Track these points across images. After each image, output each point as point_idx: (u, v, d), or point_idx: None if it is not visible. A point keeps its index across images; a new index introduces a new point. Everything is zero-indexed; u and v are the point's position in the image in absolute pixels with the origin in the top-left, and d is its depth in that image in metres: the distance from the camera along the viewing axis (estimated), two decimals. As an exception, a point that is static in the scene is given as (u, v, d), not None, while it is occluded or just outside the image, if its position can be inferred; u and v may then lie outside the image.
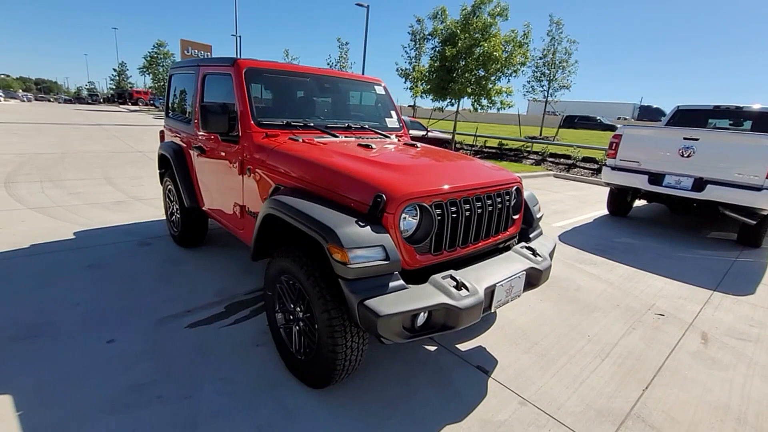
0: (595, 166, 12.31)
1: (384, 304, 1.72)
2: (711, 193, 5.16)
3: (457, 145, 16.38)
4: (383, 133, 3.46)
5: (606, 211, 7.05)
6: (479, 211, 2.26)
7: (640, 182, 5.78)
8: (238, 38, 26.13)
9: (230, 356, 2.46)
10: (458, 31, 13.63)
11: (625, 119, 42.35)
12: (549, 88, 20.30)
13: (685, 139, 5.37)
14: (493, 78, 13.70)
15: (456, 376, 2.43)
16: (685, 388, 2.47)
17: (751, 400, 2.40)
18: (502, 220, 2.48)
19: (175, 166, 3.84)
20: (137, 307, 2.94)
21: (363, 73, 9.53)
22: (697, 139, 5.28)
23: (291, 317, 2.24)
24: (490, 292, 2.04)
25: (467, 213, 2.20)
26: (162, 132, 4.60)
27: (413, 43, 22.24)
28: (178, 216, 4.07)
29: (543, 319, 3.20)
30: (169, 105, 4.40)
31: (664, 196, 5.68)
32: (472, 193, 2.23)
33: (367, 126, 3.46)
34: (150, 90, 46.06)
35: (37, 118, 21.39)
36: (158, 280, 3.39)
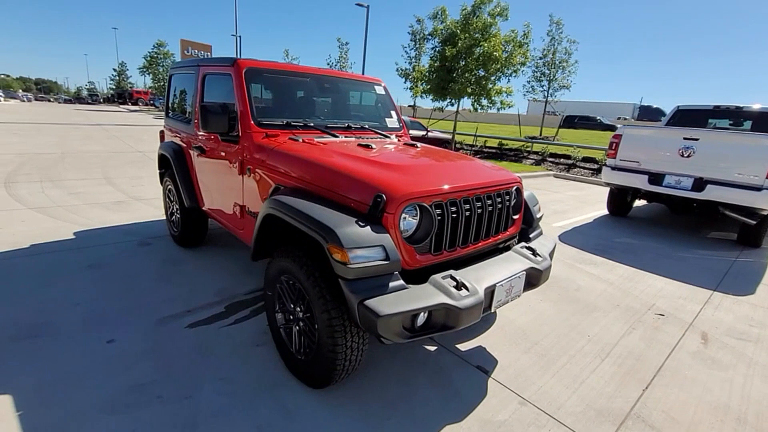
0: (595, 166, 12.31)
1: (384, 304, 1.72)
2: (711, 193, 5.16)
3: (457, 145, 16.38)
4: (383, 133, 3.46)
5: (606, 211, 7.05)
6: (479, 211, 2.26)
7: (640, 182, 5.78)
8: (238, 38, 26.15)
9: (230, 356, 2.46)
10: (458, 31, 13.63)
11: (625, 119, 42.35)
12: (549, 88, 20.31)
13: (685, 139, 5.37)
14: (493, 78, 13.70)
15: (456, 376, 2.43)
16: (685, 388, 2.47)
17: (751, 400, 2.41)
18: (502, 220, 2.48)
19: (175, 166, 3.84)
20: (137, 307, 2.94)
21: (363, 73, 9.53)
22: (697, 139, 5.28)
23: (291, 317, 2.24)
24: (490, 292, 2.04)
25: (467, 213, 2.19)
26: (162, 132, 4.60)
27: (413, 43, 22.25)
28: (178, 216, 4.07)
29: (543, 319, 3.20)
30: (169, 105, 4.40)
31: (664, 196, 5.68)
32: (472, 193, 2.23)
33: (367, 126, 3.46)
34: (150, 90, 46.06)
35: (37, 118, 21.40)
36: (158, 280, 3.39)
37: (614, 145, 6.14)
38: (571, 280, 4.02)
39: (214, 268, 3.70)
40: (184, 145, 3.89)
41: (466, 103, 15.13)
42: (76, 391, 2.08)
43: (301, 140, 2.76)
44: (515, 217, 2.65)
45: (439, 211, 2.06)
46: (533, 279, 2.36)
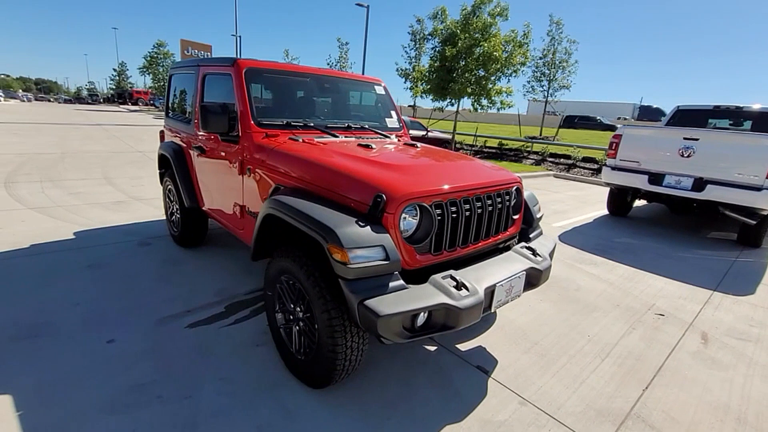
0: (595, 166, 12.31)
1: (384, 304, 1.73)
2: (711, 193, 5.16)
3: (457, 145, 16.38)
4: (383, 133, 3.46)
5: (606, 211, 7.05)
6: (479, 211, 2.26)
7: (640, 182, 5.78)
8: (238, 38, 26.15)
9: (230, 356, 2.46)
10: (458, 31, 13.63)
11: (625, 119, 42.35)
12: (549, 88, 20.31)
13: (685, 139, 5.37)
14: (493, 78, 13.70)
15: (456, 376, 2.43)
16: (685, 388, 2.47)
17: (751, 400, 2.41)
18: (502, 220, 2.48)
19: (175, 166, 3.84)
20: (137, 307, 2.94)
21: (363, 73, 9.53)
22: (697, 139, 5.28)
23: (291, 317, 2.24)
24: (490, 292, 2.04)
25: (467, 213, 2.19)
26: (162, 132, 4.60)
27: (413, 43, 22.25)
28: (178, 216, 4.07)
29: (543, 319, 3.20)
30: (169, 105, 4.40)
31: (664, 196, 5.68)
32: (472, 193, 2.23)
33: (367, 126, 3.46)
34: (150, 90, 46.06)
35: (37, 118, 21.40)
36: (158, 280, 3.39)
37: (614, 145, 6.14)
38: (571, 280, 4.02)
39: (214, 268, 3.70)
40: (184, 145, 3.89)
41: (466, 103, 15.16)
42: (76, 391, 2.08)
43: (301, 140, 2.76)
44: (515, 217, 2.65)
45: (439, 211, 2.06)
46: (533, 279, 2.36)
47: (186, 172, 3.82)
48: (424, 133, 12.10)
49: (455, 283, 1.93)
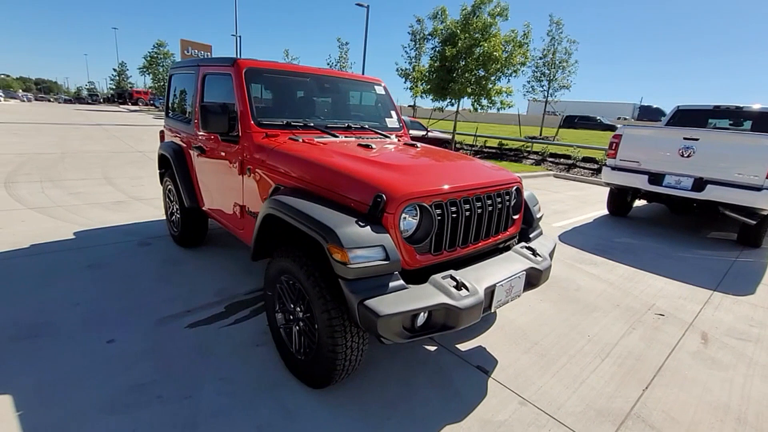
0: (595, 166, 12.31)
1: (384, 304, 1.72)
2: (711, 193, 5.16)
3: (457, 145, 16.38)
4: (383, 133, 3.46)
5: (606, 211, 7.05)
6: (479, 211, 2.26)
7: (640, 182, 5.78)
8: (238, 38, 26.15)
9: (230, 356, 2.46)
10: (458, 31, 13.63)
11: (625, 119, 42.35)
12: (549, 88, 20.31)
13: (685, 139, 5.37)
14: (493, 78, 13.70)
15: (456, 376, 2.43)
16: (685, 388, 2.47)
17: (751, 400, 2.41)
18: (502, 220, 2.48)
19: (175, 166, 3.84)
20: (137, 307, 2.94)
21: (363, 73, 9.53)
22: (697, 139, 5.28)
23: (291, 317, 2.24)
24: (490, 292, 2.04)
25: (467, 213, 2.19)
26: (162, 132, 4.60)
27: (413, 43, 22.25)
28: (178, 216, 4.07)
29: (543, 319, 3.20)
30: (169, 105, 4.40)
31: (664, 196, 5.68)
32: (472, 193, 2.23)
33: (367, 126, 3.46)
34: (150, 90, 46.06)
35: (37, 118, 21.40)
36: (158, 280, 3.39)
37: (614, 145, 6.14)
38: (571, 280, 4.02)
39: (214, 268, 3.70)
40: (184, 145, 3.89)
41: (466, 103, 15.16)
42: (76, 391, 2.08)
43: (301, 140, 2.76)
44: (515, 217, 2.65)
45: (439, 211, 2.06)
46: (533, 279, 2.36)
47: (186, 172, 3.82)
48: (424, 133, 12.10)
49: (455, 283, 1.93)
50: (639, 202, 7.38)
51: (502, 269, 2.21)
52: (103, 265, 3.60)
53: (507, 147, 16.56)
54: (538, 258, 2.43)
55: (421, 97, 16.30)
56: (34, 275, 3.33)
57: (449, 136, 15.05)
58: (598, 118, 36.77)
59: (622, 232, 6.01)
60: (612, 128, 25.68)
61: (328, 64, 27.44)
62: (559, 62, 19.48)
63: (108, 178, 7.22)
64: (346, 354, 1.98)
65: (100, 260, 3.70)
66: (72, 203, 5.46)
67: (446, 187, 2.12)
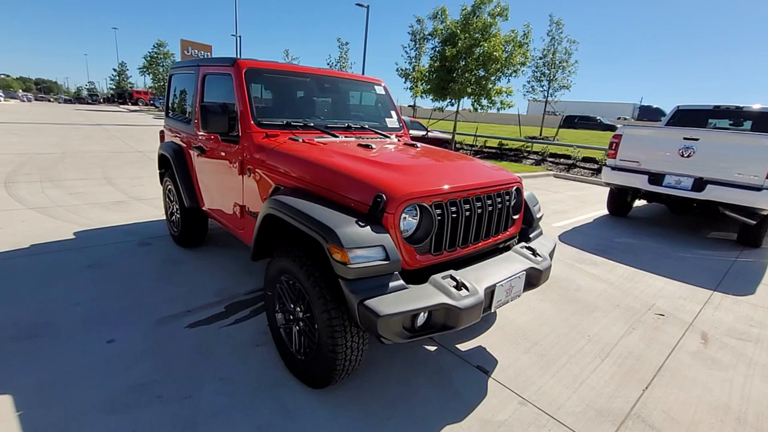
0: (595, 166, 12.31)
1: (384, 304, 1.73)
2: (711, 193, 5.16)
3: (457, 145, 16.38)
4: (383, 133, 3.46)
5: (606, 211, 7.05)
6: (479, 211, 2.26)
7: (640, 182, 5.78)
8: (238, 38, 26.15)
9: (230, 356, 2.46)
10: (458, 31, 13.63)
11: (625, 119, 42.34)
12: (549, 88, 20.31)
13: (685, 139, 5.37)
14: (493, 78, 13.70)
15: (456, 376, 2.43)
16: (685, 388, 2.47)
17: (751, 400, 2.41)
18: (502, 220, 2.48)
19: (175, 166, 3.84)
20: (137, 307, 2.94)
21: (363, 73, 9.53)
22: (697, 139, 5.28)
23: (291, 317, 2.24)
24: (490, 292, 2.04)
25: (467, 213, 2.19)
26: (162, 132, 4.60)
27: (413, 43, 22.24)
28: (178, 216, 4.07)
29: (543, 319, 3.20)
30: (169, 105, 4.40)
31: (664, 196, 5.68)
32: (472, 193, 2.23)
33: (367, 126, 3.46)
34: (150, 90, 46.06)
35: (37, 118, 21.40)
36: (158, 280, 3.39)
37: (614, 145, 6.14)
38: (571, 280, 4.02)
39: (214, 268, 3.70)
40: (184, 145, 3.89)
41: (466, 103, 15.16)
42: (76, 391, 2.08)
43: (301, 140, 2.76)
44: (515, 217, 2.65)
45: (439, 211, 2.06)
46: (533, 279, 2.36)
47: (186, 172, 3.82)
48: (424, 133, 12.10)
49: (455, 283, 1.93)
50: (639, 202, 7.38)
51: (502, 269, 2.21)
52: (103, 265, 3.60)
53: (507, 147, 16.56)
54: (538, 258, 2.43)
55: (421, 97, 16.31)
56: (34, 275, 3.33)
57: (449, 136, 15.05)
58: (598, 118, 36.77)
59: (622, 232, 6.01)
60: (612, 128, 25.68)
61: (328, 64, 27.44)
62: (559, 62, 19.49)
63: (108, 178, 7.22)
64: (346, 354, 1.98)
65: (100, 260, 3.70)
66: (72, 203, 5.46)
67: (446, 187, 2.12)
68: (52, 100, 67.28)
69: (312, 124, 3.09)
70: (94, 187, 6.50)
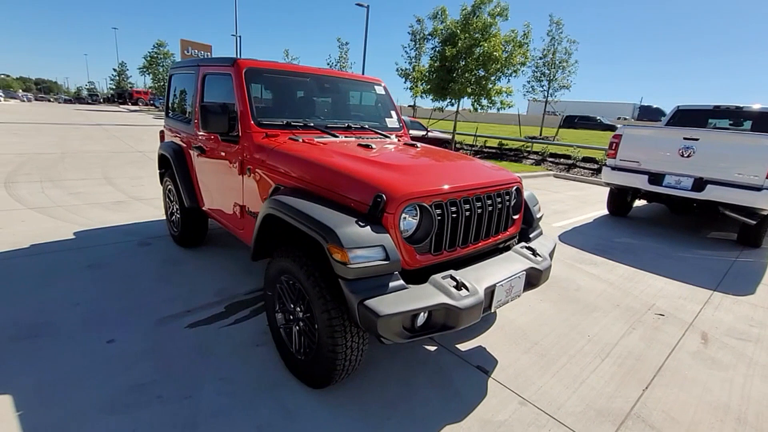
0: (595, 166, 12.31)
1: (384, 304, 1.72)
2: (711, 193, 5.16)
3: (457, 145, 16.38)
4: (383, 133, 3.46)
5: (606, 211, 7.05)
6: (479, 211, 2.26)
7: (640, 182, 5.78)
8: (238, 38, 26.15)
9: (230, 356, 2.46)
10: (458, 31, 13.63)
11: (625, 119, 42.34)
12: (549, 88, 20.31)
13: (685, 139, 5.37)
14: (493, 78, 13.70)
15: (456, 376, 2.43)
16: (685, 388, 2.47)
17: (751, 400, 2.41)
18: (502, 220, 2.48)
19: (175, 166, 3.84)
20: (137, 307, 2.94)
21: (363, 73, 9.53)
22: (697, 139, 5.28)
23: (291, 317, 2.24)
24: (490, 292, 2.04)
25: (467, 213, 2.19)
26: (162, 132, 4.60)
27: (413, 43, 22.24)
28: (178, 216, 4.07)
29: (543, 319, 3.20)
30: (169, 105, 4.40)
31: (664, 196, 5.68)
32: (472, 193, 2.23)
33: (367, 126, 3.46)
34: (150, 90, 46.06)
35: (37, 118, 21.40)
36: (158, 280, 3.39)
37: (614, 145, 6.14)
38: (571, 280, 4.02)
39: (214, 268, 3.70)
40: (184, 145, 3.89)
41: (466, 103, 15.16)
42: (76, 391, 2.08)
43: (301, 140, 2.76)
44: (515, 217, 2.65)
45: (439, 211, 2.06)
46: (533, 279, 2.36)
47: (186, 172, 3.82)
48: (424, 133, 12.10)
49: (455, 283, 1.93)
50: (639, 202, 7.38)
51: (502, 269, 2.21)
52: (103, 265, 3.60)
53: (507, 147, 16.56)
54: (538, 258, 2.43)
55: (421, 97, 16.31)
56: (34, 275, 3.33)
57: (449, 136, 15.05)
58: (598, 118, 36.76)
59: (622, 232, 6.01)
60: (612, 128, 25.68)
61: (328, 64, 27.44)
62: (559, 62, 19.49)
63: (108, 178, 7.22)
64: (346, 354, 1.98)
65: (100, 260, 3.70)
66: (72, 203, 5.46)
67: (446, 187, 2.12)
68: (52, 100, 67.27)
69: (312, 124, 3.09)
70: (94, 187, 6.50)
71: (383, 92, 3.92)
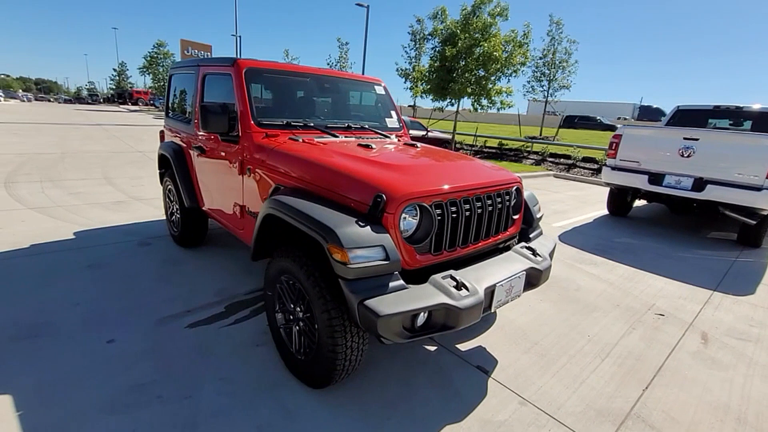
0: (595, 166, 12.31)
1: (384, 304, 1.72)
2: (711, 193, 5.16)
3: (457, 145, 16.38)
4: (383, 133, 3.46)
5: (606, 211, 7.05)
6: (479, 211, 2.26)
7: (640, 182, 5.78)
8: (238, 38, 26.15)
9: (230, 356, 2.46)
10: (458, 31, 13.63)
11: (625, 119, 42.34)
12: (549, 88, 20.31)
13: (685, 139, 5.37)
14: (493, 78, 13.70)
15: (456, 376, 2.43)
16: (685, 388, 2.47)
17: (751, 400, 2.41)
18: (502, 220, 2.48)
19: (175, 166, 3.84)
20: (137, 307, 2.94)
21: (363, 73, 9.53)
22: (697, 139, 5.28)
23: (291, 317, 2.24)
24: (490, 292, 2.04)
25: (467, 213, 2.19)
26: (162, 132, 4.60)
27: (413, 43, 22.24)
28: (178, 216, 4.07)
29: (543, 319, 3.20)
30: (169, 105, 4.40)
31: (664, 196, 5.68)
32: (472, 193, 2.23)
33: (367, 126, 3.46)
34: (150, 90, 46.06)
35: (37, 118, 21.40)
36: (158, 280, 3.39)
37: (614, 145, 6.14)
38: (571, 280, 4.02)
39: (214, 268, 3.70)
40: (184, 145, 3.89)
41: (466, 103, 15.16)
42: (76, 391, 2.08)
43: (301, 140, 2.76)
44: (515, 217, 2.65)
45: (439, 211, 2.06)
46: (533, 279, 2.36)
47: (186, 172, 3.82)
48: (424, 133, 12.10)
49: (455, 283, 1.93)
50: (639, 202, 7.38)
51: (502, 269, 2.21)
52: (103, 265, 3.60)
53: (507, 147, 16.56)
54: (538, 258, 2.43)
55: (421, 97, 16.31)
56: (34, 275, 3.33)
57: (449, 136, 15.05)
58: (598, 118, 36.76)
59: (622, 232, 6.01)
60: (612, 128, 25.68)
61: (328, 64, 27.44)
62: (559, 62, 19.49)
63: (108, 178, 7.22)
64: (346, 354, 1.98)
65: (100, 260, 3.70)
66: (72, 203, 5.46)
67: (446, 187, 2.12)
68: (52, 100, 67.28)
69: (312, 124, 3.09)
70: (94, 187, 6.50)
71: (383, 92, 3.92)
